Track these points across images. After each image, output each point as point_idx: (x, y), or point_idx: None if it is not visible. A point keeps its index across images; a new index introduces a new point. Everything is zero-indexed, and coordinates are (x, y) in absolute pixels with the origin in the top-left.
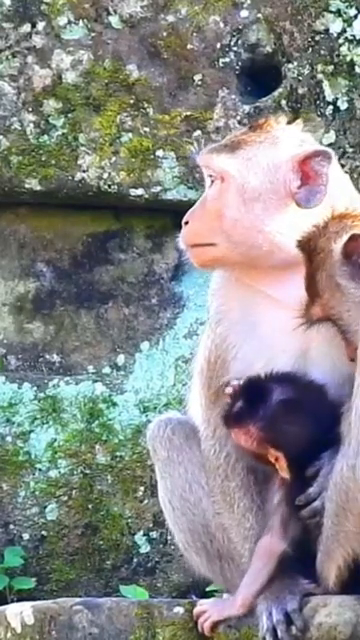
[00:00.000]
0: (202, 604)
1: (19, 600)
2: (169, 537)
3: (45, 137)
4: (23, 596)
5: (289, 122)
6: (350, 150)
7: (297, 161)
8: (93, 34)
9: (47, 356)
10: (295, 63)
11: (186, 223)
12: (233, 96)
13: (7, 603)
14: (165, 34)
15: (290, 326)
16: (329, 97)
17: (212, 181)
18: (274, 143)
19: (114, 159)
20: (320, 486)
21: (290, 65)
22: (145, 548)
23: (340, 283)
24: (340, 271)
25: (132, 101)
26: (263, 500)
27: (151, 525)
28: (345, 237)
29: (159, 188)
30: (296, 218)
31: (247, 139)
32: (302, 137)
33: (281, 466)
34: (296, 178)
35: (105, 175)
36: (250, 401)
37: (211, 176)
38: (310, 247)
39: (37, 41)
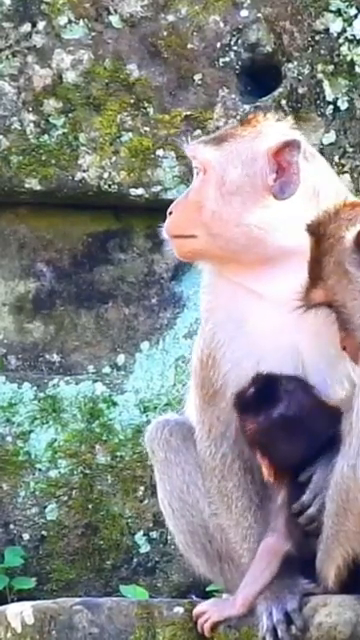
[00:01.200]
0: (202, 605)
1: (19, 600)
2: (169, 537)
3: (45, 137)
4: (23, 596)
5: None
6: (350, 150)
7: (271, 154)
8: (93, 34)
9: (47, 356)
10: (295, 63)
11: (170, 213)
12: (233, 96)
13: (7, 603)
14: (165, 34)
15: (275, 322)
16: (329, 97)
17: (197, 173)
18: (256, 137)
19: (114, 159)
20: (313, 492)
21: (290, 65)
22: (145, 548)
23: (349, 270)
24: (350, 258)
25: (132, 101)
26: (261, 500)
27: (151, 525)
28: (359, 226)
29: (159, 188)
30: (275, 213)
31: (234, 133)
32: (286, 132)
33: (267, 468)
34: (271, 171)
35: (105, 175)
36: (259, 397)
37: (197, 167)
38: (319, 232)
39: (37, 41)
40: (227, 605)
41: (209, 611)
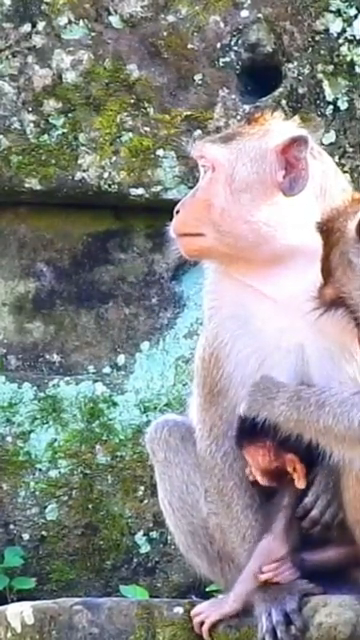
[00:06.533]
0: (198, 606)
1: (19, 600)
2: (169, 537)
3: (45, 137)
4: (23, 596)
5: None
6: (350, 150)
7: (278, 151)
8: (93, 34)
9: (47, 356)
10: (295, 63)
11: (177, 212)
12: (233, 96)
13: (7, 603)
14: (165, 34)
15: (281, 322)
16: (329, 97)
17: (205, 171)
18: (264, 135)
19: (114, 159)
20: (315, 494)
21: (290, 65)
22: (145, 548)
23: (352, 260)
24: (353, 249)
25: (132, 101)
26: (262, 499)
27: (151, 525)
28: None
29: (159, 188)
30: (283, 210)
31: (241, 131)
32: (293, 130)
33: (299, 472)
34: (280, 168)
35: (105, 175)
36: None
37: (204, 166)
38: (328, 228)
39: (37, 41)
40: (222, 604)
41: (205, 612)
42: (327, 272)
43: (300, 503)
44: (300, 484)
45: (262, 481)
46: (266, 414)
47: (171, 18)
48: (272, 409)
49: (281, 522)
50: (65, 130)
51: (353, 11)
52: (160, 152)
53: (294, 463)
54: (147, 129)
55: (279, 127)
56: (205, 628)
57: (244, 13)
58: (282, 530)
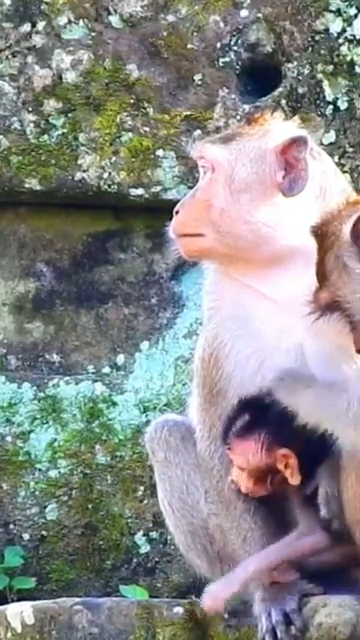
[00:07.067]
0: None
1: (19, 600)
2: (169, 537)
3: (45, 137)
4: (23, 596)
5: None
6: (350, 150)
7: (278, 151)
8: (93, 34)
9: (47, 356)
10: (295, 63)
11: (177, 213)
12: (233, 96)
13: (7, 603)
14: (165, 34)
15: (280, 322)
16: (329, 97)
17: (205, 172)
18: (263, 135)
19: (114, 159)
20: (326, 504)
21: (290, 65)
22: (145, 548)
23: (347, 264)
24: (348, 252)
25: (132, 101)
26: (260, 502)
27: (151, 525)
28: (354, 217)
29: (159, 188)
30: (283, 210)
31: (241, 131)
32: (293, 130)
33: (292, 468)
34: (279, 168)
35: (105, 175)
36: (253, 413)
37: (204, 166)
38: (322, 232)
39: (37, 41)
40: (231, 580)
41: (215, 591)
42: (322, 276)
43: (309, 501)
44: (294, 480)
45: (245, 487)
46: (292, 399)
47: (171, 18)
48: (301, 395)
49: (314, 518)
50: (65, 130)
51: (353, 11)
52: (160, 152)
53: (287, 458)
54: (147, 129)
55: (279, 127)
56: (219, 605)
57: (244, 13)
58: (315, 524)
